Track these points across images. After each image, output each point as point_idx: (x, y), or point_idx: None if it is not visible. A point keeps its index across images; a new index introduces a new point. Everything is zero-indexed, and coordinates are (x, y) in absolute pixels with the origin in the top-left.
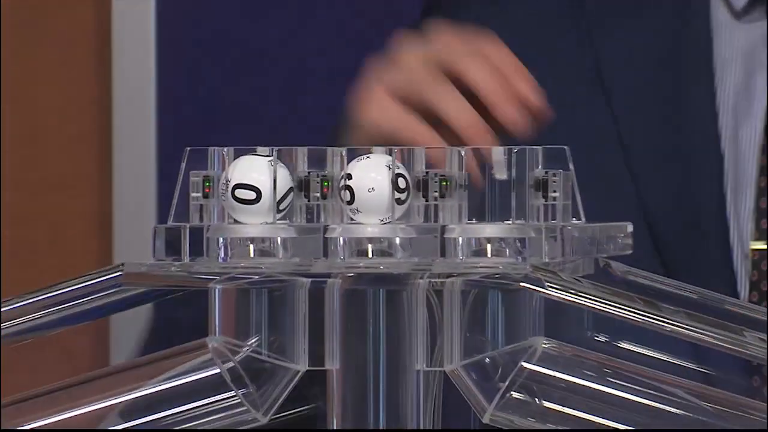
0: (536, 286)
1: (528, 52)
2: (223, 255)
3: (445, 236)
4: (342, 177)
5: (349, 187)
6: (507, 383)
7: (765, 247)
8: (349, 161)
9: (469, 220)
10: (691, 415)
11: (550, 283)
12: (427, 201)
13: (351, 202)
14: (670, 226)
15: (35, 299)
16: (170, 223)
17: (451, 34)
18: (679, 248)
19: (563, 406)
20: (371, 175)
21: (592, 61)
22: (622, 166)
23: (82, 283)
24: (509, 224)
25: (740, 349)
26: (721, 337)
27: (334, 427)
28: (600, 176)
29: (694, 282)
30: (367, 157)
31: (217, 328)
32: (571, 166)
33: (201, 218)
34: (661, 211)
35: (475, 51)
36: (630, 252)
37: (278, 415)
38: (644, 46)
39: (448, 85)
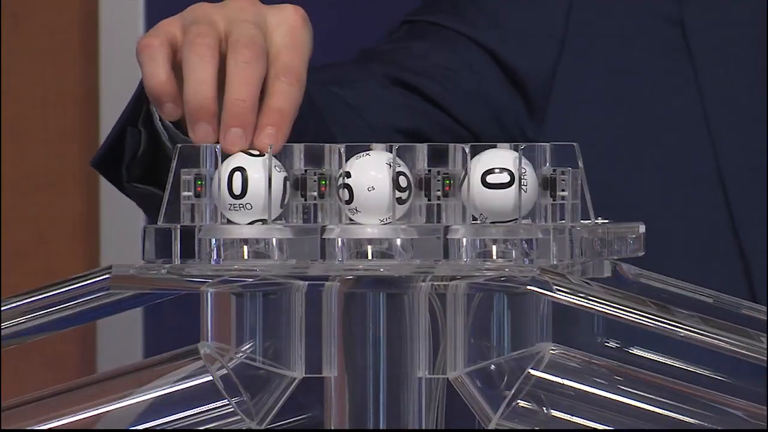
0: (544, 289)
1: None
2: (215, 257)
3: (448, 237)
4: (340, 175)
5: (347, 186)
6: (513, 391)
7: None
8: (347, 158)
9: (473, 220)
10: (706, 425)
11: (558, 286)
12: (429, 200)
13: (350, 201)
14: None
15: (19, 303)
16: (160, 223)
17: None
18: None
19: (572, 415)
20: (371, 173)
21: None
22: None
23: (68, 286)
24: (516, 224)
25: (758, 356)
26: (737, 342)
27: None
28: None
29: None
30: (367, 154)
31: (209, 334)
32: (581, 164)
33: (193, 218)
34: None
35: (260, 15)
36: (642, 254)
37: (273, 425)
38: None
39: (204, 48)
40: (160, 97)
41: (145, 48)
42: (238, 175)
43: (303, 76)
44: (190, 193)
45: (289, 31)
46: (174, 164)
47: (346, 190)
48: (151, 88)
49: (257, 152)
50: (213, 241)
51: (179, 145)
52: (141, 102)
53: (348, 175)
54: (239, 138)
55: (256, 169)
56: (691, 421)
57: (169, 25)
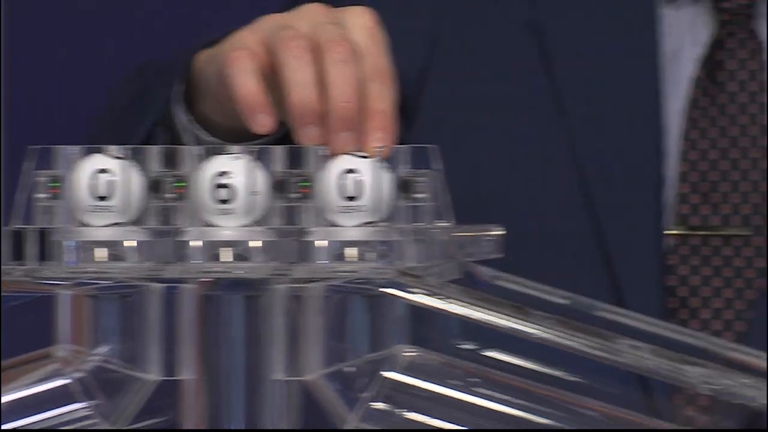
0: (400, 291)
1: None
2: (71, 259)
3: (305, 239)
4: (217, 173)
5: (226, 186)
6: (369, 393)
7: (682, 232)
8: (206, 157)
9: (331, 222)
10: (565, 426)
11: (414, 288)
12: (286, 202)
13: (227, 201)
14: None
15: None
16: (15, 225)
17: (321, 6)
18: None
19: (428, 416)
20: (257, 176)
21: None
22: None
23: None
24: (373, 226)
25: (613, 357)
26: (591, 344)
27: None
28: (539, 149)
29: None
30: (239, 156)
31: (64, 337)
32: (439, 166)
33: (51, 220)
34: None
35: (338, 19)
36: (501, 255)
37: (131, 427)
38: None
39: (301, 50)
40: (252, 107)
41: (234, 60)
42: (103, 176)
43: (392, 75)
44: (46, 195)
45: (368, 32)
46: (27, 165)
47: (223, 190)
48: (242, 98)
49: (122, 155)
50: (69, 243)
51: (32, 147)
52: (159, 101)
53: (227, 174)
54: (350, 140)
55: (121, 170)
56: (546, 422)
57: (246, 39)
